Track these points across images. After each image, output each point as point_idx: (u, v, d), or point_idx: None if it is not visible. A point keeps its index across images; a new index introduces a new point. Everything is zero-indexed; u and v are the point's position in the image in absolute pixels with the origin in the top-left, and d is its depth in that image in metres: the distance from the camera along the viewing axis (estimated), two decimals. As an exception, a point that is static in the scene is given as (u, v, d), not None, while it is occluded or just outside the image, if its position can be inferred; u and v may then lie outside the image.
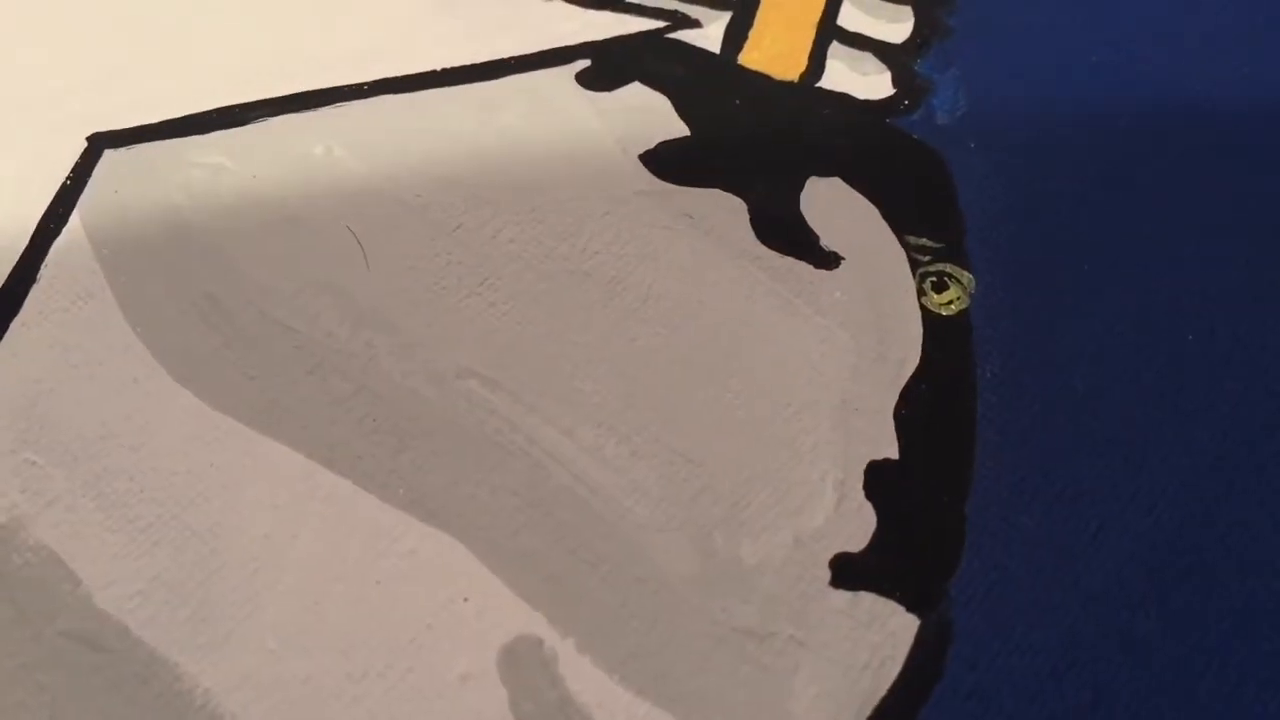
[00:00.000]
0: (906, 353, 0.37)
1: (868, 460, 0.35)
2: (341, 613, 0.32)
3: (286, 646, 0.31)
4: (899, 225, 0.40)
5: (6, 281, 0.37)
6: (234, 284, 0.38)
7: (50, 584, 0.32)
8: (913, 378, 0.36)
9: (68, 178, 0.40)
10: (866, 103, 0.44)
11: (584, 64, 0.44)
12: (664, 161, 0.41)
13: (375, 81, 0.43)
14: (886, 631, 0.32)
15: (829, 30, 0.46)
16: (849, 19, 0.46)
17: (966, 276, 0.38)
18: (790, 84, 0.44)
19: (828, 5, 0.47)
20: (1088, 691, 0.30)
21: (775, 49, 0.45)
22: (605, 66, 0.44)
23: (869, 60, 0.45)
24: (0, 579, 0.32)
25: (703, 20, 0.46)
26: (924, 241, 0.39)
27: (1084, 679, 0.31)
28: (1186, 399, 0.36)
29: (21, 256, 0.38)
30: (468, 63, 0.44)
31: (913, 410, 0.36)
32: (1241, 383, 0.36)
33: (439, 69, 0.44)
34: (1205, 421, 0.35)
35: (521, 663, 0.31)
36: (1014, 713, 0.30)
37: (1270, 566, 0.32)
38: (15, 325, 0.37)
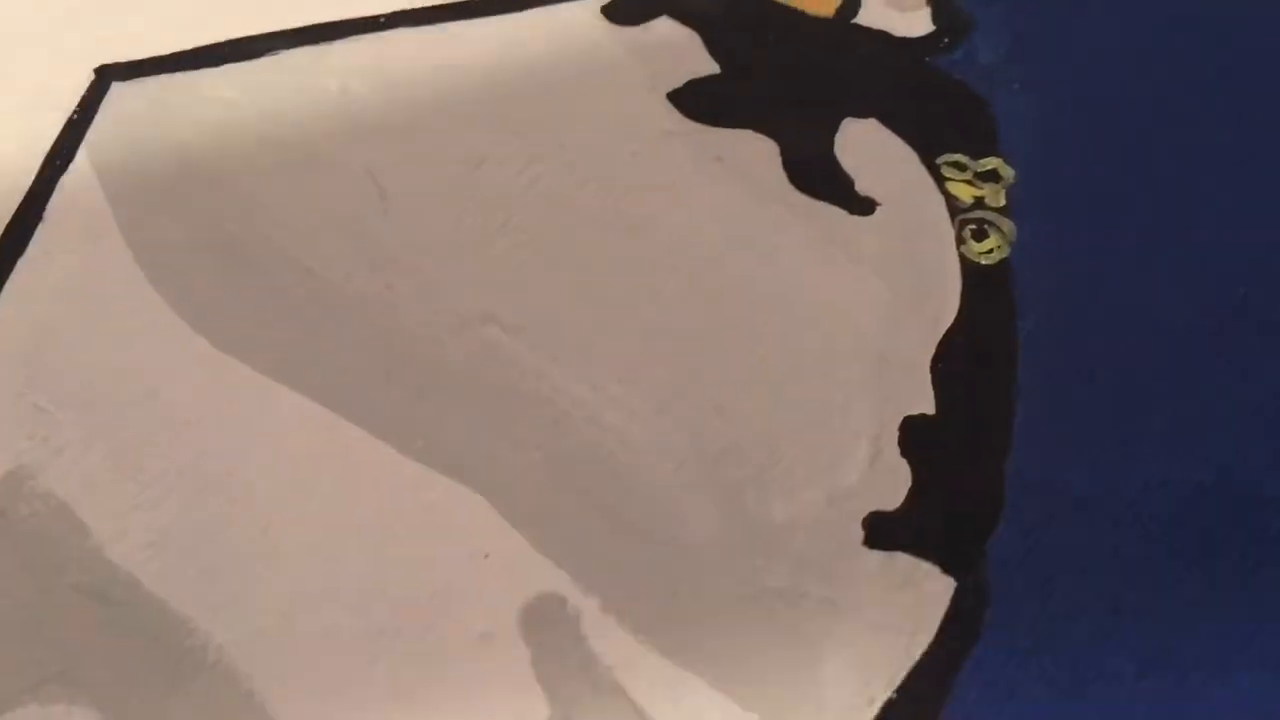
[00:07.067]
0: (944, 303, 0.36)
1: (903, 416, 0.33)
2: (359, 568, 0.31)
3: (302, 602, 0.30)
4: (937, 171, 0.38)
5: (12, 220, 0.36)
6: (247, 225, 0.36)
7: (59, 535, 0.31)
8: (950, 330, 0.35)
9: (74, 111, 0.39)
10: (905, 40, 0.42)
11: (611, -4, 0.43)
12: (693, 100, 0.40)
13: (392, 14, 0.41)
14: (921, 593, 0.31)
15: (866, -38, 0.44)
16: (886, -50, 0.44)
17: (1007, 225, 0.37)
18: (825, 20, 0.42)
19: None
20: (1131, 659, 0.29)
21: (810, -18, 0.43)
22: (633, -1, 0.43)
23: (908, -6, 0.43)
24: (7, 529, 0.31)
25: (734, -49, 0.44)
26: (964, 187, 0.38)
27: (1127, 646, 0.30)
28: (1237, 358, 0.34)
29: (27, 194, 0.37)
30: (489, -6, 0.42)
31: (950, 364, 0.34)
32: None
33: (458, 0, 0.42)
34: (1257, 381, 0.34)
35: (544, 622, 0.30)
36: (1054, 679, 0.29)
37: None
38: (21, 265, 0.35)
